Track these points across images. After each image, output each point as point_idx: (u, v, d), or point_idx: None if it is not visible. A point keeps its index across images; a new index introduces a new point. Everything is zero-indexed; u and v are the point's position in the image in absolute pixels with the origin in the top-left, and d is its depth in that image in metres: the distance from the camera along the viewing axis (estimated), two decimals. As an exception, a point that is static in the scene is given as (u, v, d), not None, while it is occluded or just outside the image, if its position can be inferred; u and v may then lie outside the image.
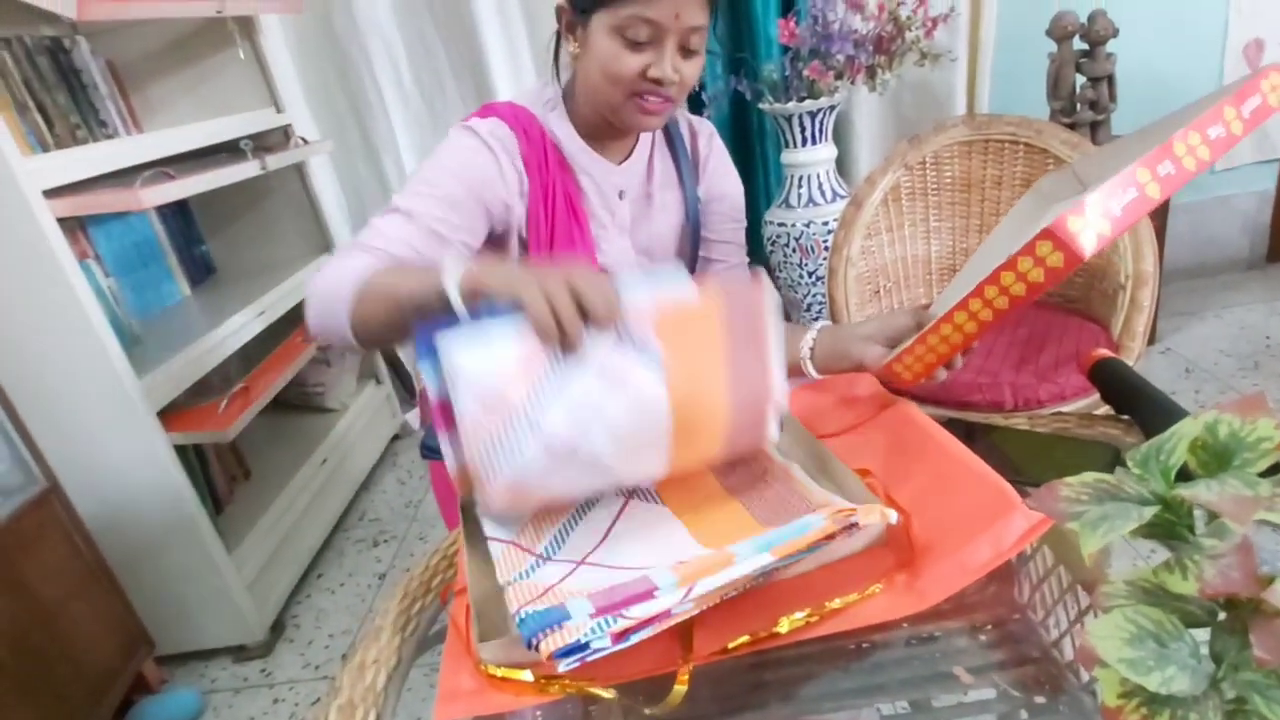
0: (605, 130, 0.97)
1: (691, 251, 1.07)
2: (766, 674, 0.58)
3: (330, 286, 0.79)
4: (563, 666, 0.53)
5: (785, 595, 0.61)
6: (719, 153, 1.08)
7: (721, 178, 1.08)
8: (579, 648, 0.53)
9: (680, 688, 0.55)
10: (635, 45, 0.84)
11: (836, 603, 0.59)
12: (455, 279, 0.66)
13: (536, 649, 0.53)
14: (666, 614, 0.55)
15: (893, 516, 0.61)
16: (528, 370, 0.61)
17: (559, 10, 0.92)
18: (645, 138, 1.02)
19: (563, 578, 0.64)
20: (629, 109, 0.88)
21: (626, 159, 1.00)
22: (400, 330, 0.75)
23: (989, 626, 0.60)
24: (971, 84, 2.16)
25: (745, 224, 1.11)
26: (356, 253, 0.82)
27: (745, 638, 0.58)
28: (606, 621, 0.54)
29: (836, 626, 0.58)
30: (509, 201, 0.92)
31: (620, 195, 1.00)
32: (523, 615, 0.57)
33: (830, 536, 0.59)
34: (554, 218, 0.94)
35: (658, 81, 0.85)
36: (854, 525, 0.60)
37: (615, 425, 0.62)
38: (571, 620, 0.54)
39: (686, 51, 0.87)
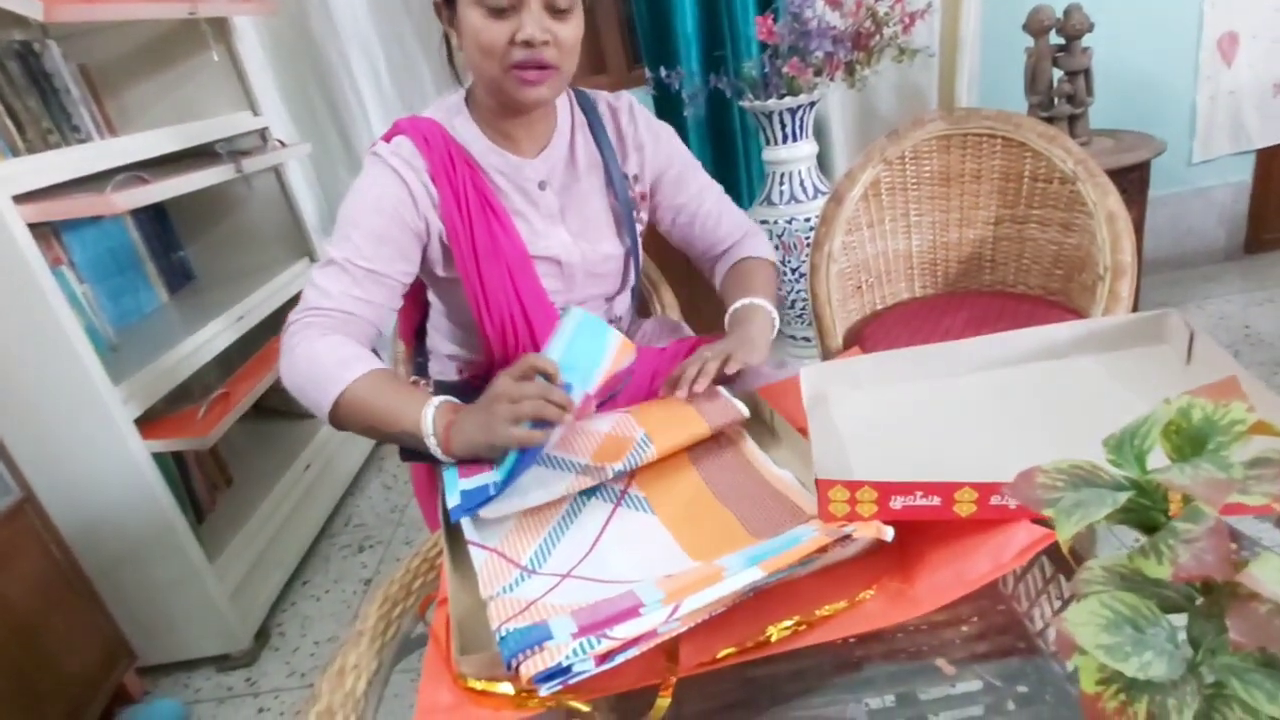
0: (512, 122, 0.97)
1: (629, 232, 1.06)
2: (754, 670, 0.57)
3: (304, 378, 0.86)
4: (544, 690, 0.52)
5: (773, 603, 0.59)
6: (644, 123, 1.06)
7: (659, 145, 1.07)
8: (560, 671, 0.52)
9: (664, 701, 0.54)
10: (498, 13, 0.84)
11: (826, 610, 0.58)
12: (434, 441, 0.79)
13: (516, 671, 0.52)
14: (652, 634, 0.54)
15: (888, 534, 0.59)
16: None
17: (436, 8, 0.93)
18: (564, 125, 1.02)
19: (546, 592, 0.63)
20: (510, 83, 0.88)
21: (544, 149, 1.00)
22: (380, 440, 0.91)
23: (974, 618, 0.60)
24: (950, 80, 2.16)
25: (698, 162, 1.12)
26: (314, 324, 0.89)
27: (732, 649, 0.57)
28: (589, 643, 0.52)
29: (826, 634, 0.57)
30: (426, 216, 0.94)
31: (541, 186, 1.00)
32: (504, 633, 0.56)
33: (823, 549, 0.58)
34: (470, 220, 0.95)
35: (529, 44, 0.85)
36: (847, 537, 0.59)
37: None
38: (553, 640, 0.53)
39: (556, 11, 0.86)
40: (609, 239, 1.05)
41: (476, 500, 0.71)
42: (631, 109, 1.06)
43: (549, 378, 0.75)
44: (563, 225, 1.02)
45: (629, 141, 1.05)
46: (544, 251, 1.00)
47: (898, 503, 0.58)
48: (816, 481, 0.60)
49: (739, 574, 0.56)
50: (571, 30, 0.88)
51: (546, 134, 1.00)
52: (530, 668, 0.52)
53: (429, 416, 0.80)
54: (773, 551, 0.58)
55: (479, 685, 0.57)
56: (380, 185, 0.93)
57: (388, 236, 0.92)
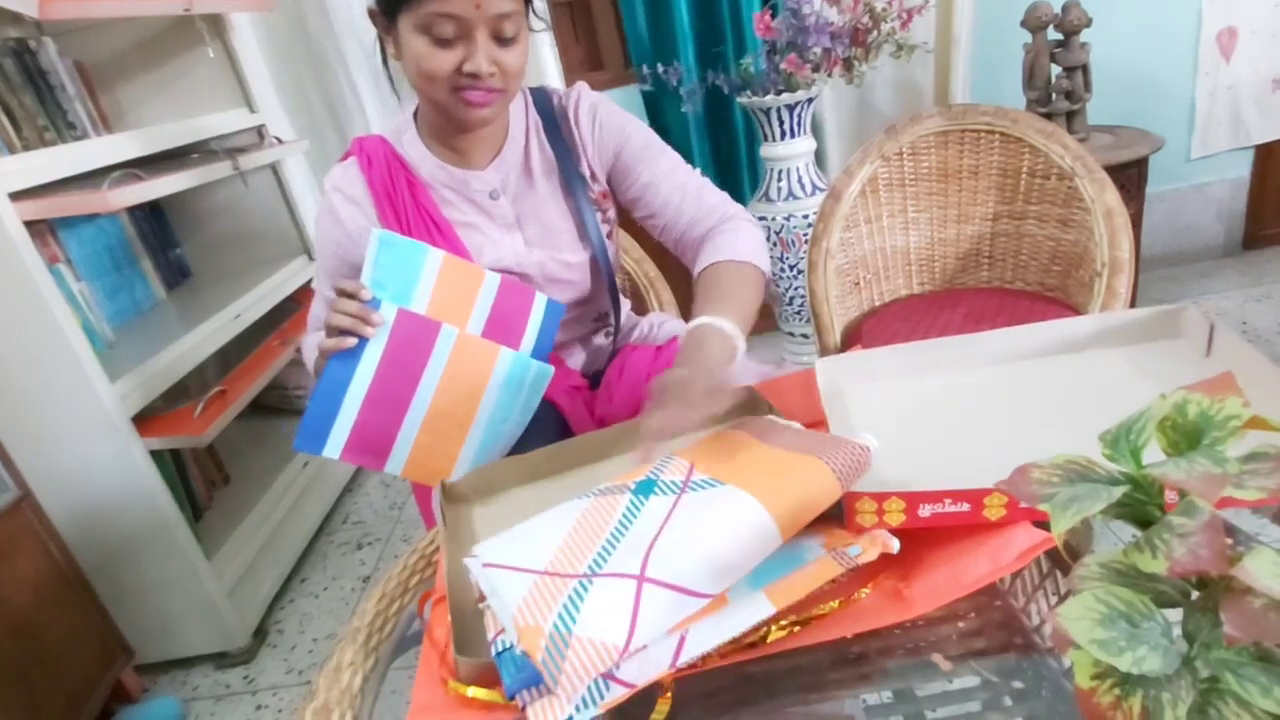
0: (459, 136, 0.95)
1: (594, 236, 1.02)
2: (751, 667, 0.57)
3: (305, 359, 1.05)
4: None
5: None
6: (585, 118, 1.00)
7: (604, 138, 1.01)
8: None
9: (663, 705, 0.54)
10: (444, 42, 0.82)
11: (822, 609, 0.57)
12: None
13: (523, 711, 0.50)
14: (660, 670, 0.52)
15: (895, 546, 0.57)
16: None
17: (371, 15, 0.90)
18: (517, 132, 0.99)
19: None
20: (455, 105, 0.87)
21: (495, 159, 0.98)
22: None
23: (971, 614, 0.60)
24: (944, 76, 2.16)
25: (665, 145, 1.03)
26: (309, 332, 1.06)
27: (728, 648, 0.56)
28: (598, 689, 0.50)
29: (822, 635, 0.56)
30: (363, 246, 0.90)
31: (493, 195, 0.98)
32: (499, 648, 0.55)
33: (833, 581, 0.57)
34: (410, 236, 0.94)
35: (475, 76, 0.83)
36: (855, 566, 0.57)
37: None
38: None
39: (503, 40, 0.84)
40: (570, 245, 1.02)
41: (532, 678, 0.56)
42: (577, 105, 1.00)
43: (354, 296, 0.84)
44: (519, 233, 1.00)
45: (577, 141, 1.00)
46: (495, 263, 0.98)
47: (926, 511, 0.57)
48: (844, 494, 0.59)
49: (747, 608, 0.54)
50: (517, 56, 0.86)
51: (498, 143, 0.98)
52: (537, 715, 0.50)
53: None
54: (778, 573, 0.57)
55: (474, 693, 0.57)
56: (324, 228, 1.00)
57: (338, 273, 0.99)
